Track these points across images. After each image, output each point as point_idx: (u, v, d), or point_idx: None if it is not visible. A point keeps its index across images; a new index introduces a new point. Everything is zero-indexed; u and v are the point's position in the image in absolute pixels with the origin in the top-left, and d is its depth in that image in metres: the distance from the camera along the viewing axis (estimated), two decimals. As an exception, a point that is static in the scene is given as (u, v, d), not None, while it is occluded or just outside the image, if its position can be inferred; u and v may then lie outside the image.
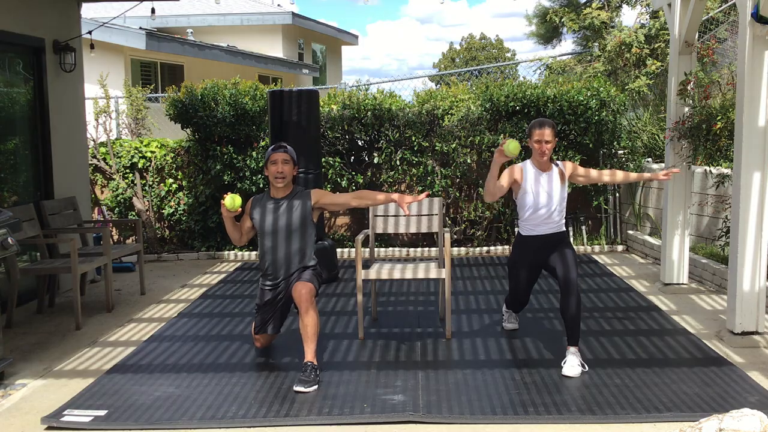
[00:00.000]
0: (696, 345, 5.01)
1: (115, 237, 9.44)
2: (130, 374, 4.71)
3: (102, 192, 9.41)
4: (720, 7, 10.92)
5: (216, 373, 4.69)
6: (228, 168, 8.81)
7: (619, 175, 5.00)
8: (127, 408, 4.13)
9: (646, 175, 5.00)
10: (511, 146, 4.43)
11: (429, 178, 8.81)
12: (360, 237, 5.39)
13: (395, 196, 4.57)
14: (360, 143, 9.04)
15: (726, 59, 9.37)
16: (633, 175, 5.04)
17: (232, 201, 4.58)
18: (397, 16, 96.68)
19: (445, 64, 42.54)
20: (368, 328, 5.60)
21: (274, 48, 19.63)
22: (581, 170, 4.93)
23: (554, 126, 4.79)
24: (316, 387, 4.36)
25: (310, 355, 4.46)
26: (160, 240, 9.34)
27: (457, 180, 8.91)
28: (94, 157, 9.25)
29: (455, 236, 8.90)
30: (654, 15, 11.92)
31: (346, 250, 8.78)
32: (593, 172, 4.97)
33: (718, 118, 5.78)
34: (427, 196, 4.99)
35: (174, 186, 9.27)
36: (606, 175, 5.03)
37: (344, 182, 8.83)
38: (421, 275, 5.28)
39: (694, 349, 4.93)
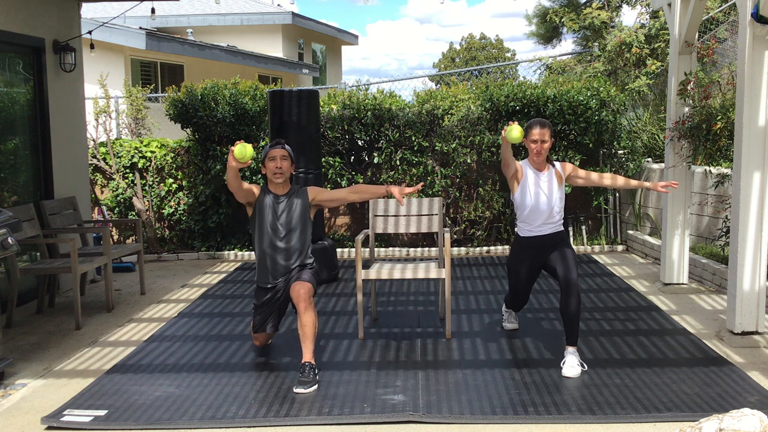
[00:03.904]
0: (696, 345, 5.01)
1: (115, 237, 9.44)
2: (130, 374, 4.71)
3: (102, 192, 9.41)
4: (720, 7, 10.92)
5: (216, 373, 4.69)
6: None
7: (620, 180, 4.99)
8: (127, 408, 4.13)
9: (647, 183, 4.98)
10: (512, 133, 4.34)
11: (429, 178, 8.81)
12: (360, 237, 5.39)
13: (393, 188, 4.60)
14: (360, 143, 9.04)
15: (726, 59, 9.37)
16: (633, 182, 5.02)
17: (243, 149, 4.31)
18: (396, 16, 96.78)
19: (445, 64, 42.54)
20: (368, 328, 5.60)
21: (274, 48, 19.63)
22: (581, 172, 4.93)
23: (551, 127, 4.79)
24: (315, 387, 4.36)
25: (308, 356, 4.45)
26: (160, 240, 9.34)
27: (457, 180, 8.91)
28: (94, 157, 9.25)
29: (455, 236, 8.90)
30: (654, 15, 11.93)
31: (346, 250, 8.78)
32: (593, 175, 4.97)
33: (718, 118, 5.78)
34: (426, 194, 5.00)
35: (174, 186, 9.27)
36: (606, 179, 5.01)
37: (344, 182, 8.83)
38: (421, 275, 5.28)
39: (694, 349, 4.93)
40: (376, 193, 4.81)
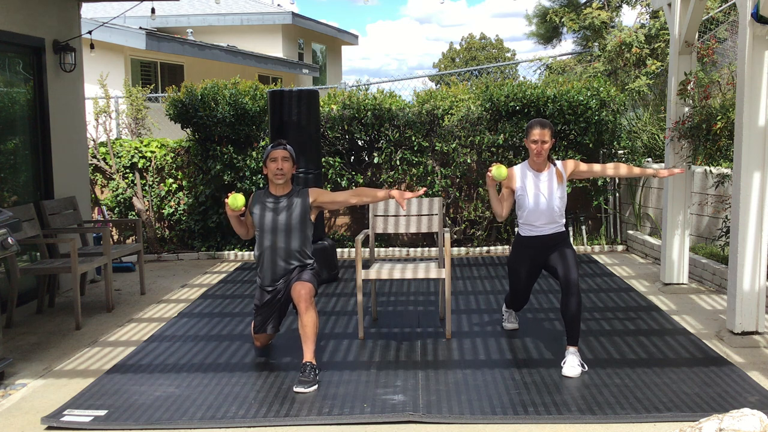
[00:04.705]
0: (696, 345, 5.01)
1: (115, 237, 9.44)
2: (130, 374, 4.71)
3: (102, 192, 9.41)
4: (720, 7, 10.92)
5: (216, 373, 4.69)
6: (228, 168, 8.81)
7: (623, 168, 4.99)
8: (127, 408, 4.13)
9: (649, 170, 4.99)
10: (497, 172, 4.64)
11: (429, 178, 8.81)
12: (360, 237, 5.38)
13: (394, 192, 4.59)
14: (360, 143, 9.04)
15: (726, 59, 9.37)
16: (636, 170, 5.01)
17: (234, 200, 4.57)
18: (396, 16, 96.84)
19: (445, 64, 42.55)
20: (368, 328, 5.60)
21: (274, 48, 19.63)
22: (583, 166, 4.92)
23: (552, 127, 4.79)
24: (315, 387, 4.36)
25: (309, 355, 4.45)
26: (160, 240, 9.34)
27: (457, 180, 8.91)
28: (94, 157, 9.25)
29: (455, 236, 8.90)
30: (654, 15, 11.93)
31: (346, 250, 8.78)
32: (596, 167, 4.97)
33: (718, 118, 5.78)
34: (426, 194, 5.01)
35: (174, 186, 9.27)
36: (609, 169, 5.02)
37: (344, 182, 8.83)
38: (421, 275, 5.27)
39: (694, 349, 4.93)
40: (377, 197, 4.80)
